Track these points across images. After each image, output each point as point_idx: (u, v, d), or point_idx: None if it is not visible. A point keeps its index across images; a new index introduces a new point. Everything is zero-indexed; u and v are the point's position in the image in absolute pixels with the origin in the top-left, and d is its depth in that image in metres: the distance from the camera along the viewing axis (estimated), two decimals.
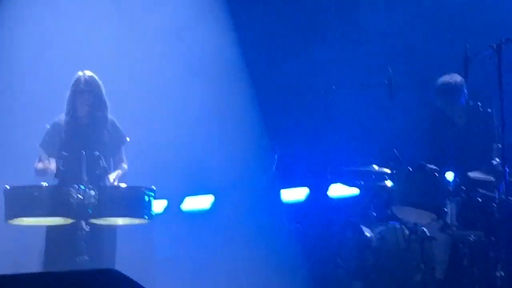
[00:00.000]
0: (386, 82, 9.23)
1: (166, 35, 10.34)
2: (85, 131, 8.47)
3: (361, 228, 9.15)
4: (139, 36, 10.33)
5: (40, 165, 8.28)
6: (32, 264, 8.69)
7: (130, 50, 10.22)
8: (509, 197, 8.11)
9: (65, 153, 8.06)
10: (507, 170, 7.94)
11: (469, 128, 9.15)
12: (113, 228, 8.40)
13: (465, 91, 9.18)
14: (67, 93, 8.44)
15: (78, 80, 8.36)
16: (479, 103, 8.93)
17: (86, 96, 8.37)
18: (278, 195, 10.54)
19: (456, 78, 9.10)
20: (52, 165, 8.25)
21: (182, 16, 10.44)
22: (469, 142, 8.87)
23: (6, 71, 10.10)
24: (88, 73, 8.46)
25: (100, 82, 8.50)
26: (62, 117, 8.57)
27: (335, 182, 10.17)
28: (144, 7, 10.34)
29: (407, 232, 8.69)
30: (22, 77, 9.93)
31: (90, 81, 8.41)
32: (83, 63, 8.91)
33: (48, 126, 8.53)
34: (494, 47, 7.91)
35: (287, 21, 11.49)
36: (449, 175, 8.60)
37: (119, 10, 10.34)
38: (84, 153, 7.92)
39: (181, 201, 10.90)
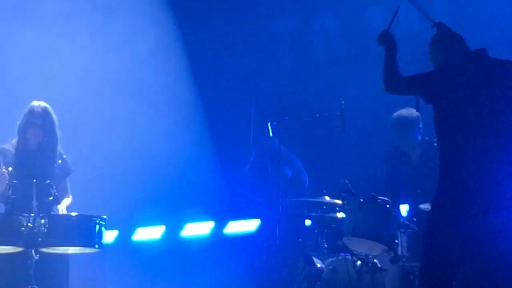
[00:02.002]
0: (339, 114, 9.20)
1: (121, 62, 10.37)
2: (34, 161, 8.40)
3: (312, 259, 8.99)
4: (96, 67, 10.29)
5: None
6: None
7: (85, 80, 10.21)
8: None
9: (15, 181, 7.88)
10: None
11: (422, 162, 9.02)
12: (65, 257, 8.28)
13: (421, 126, 9.09)
14: (19, 121, 8.38)
15: (32, 111, 8.36)
16: (434, 139, 8.63)
17: (38, 130, 8.37)
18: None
19: (412, 112, 9.02)
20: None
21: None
22: (422, 176, 8.71)
23: None
24: (42, 104, 8.43)
25: (53, 116, 8.47)
26: (13, 143, 8.46)
27: (286, 213, 10.04)
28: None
29: (358, 263, 8.48)
30: None
31: (44, 115, 8.39)
32: (39, 90, 8.96)
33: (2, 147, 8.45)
34: None
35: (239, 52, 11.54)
36: (404, 208, 8.52)
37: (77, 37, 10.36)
38: (35, 181, 7.85)
39: (132, 232, 10.95)
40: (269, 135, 10.05)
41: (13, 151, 8.49)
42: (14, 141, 8.53)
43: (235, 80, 11.68)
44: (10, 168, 8.09)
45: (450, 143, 6.24)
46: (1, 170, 8.17)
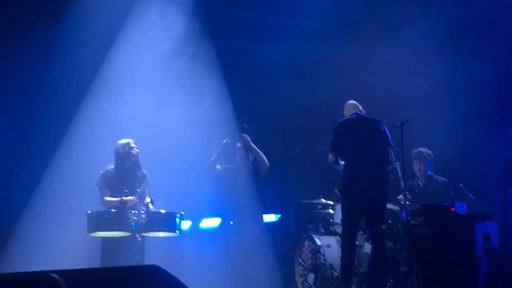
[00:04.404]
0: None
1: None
2: (130, 176, 10.04)
3: (314, 238, 10.66)
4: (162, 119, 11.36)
5: (107, 199, 9.85)
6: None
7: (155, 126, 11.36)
8: (409, 219, 9.63)
9: (126, 190, 9.76)
10: (407, 203, 9.71)
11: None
12: (157, 239, 9.85)
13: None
14: (116, 151, 9.99)
15: (125, 144, 10.02)
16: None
17: (130, 154, 10.01)
18: (261, 218, 10.99)
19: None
20: (115, 200, 9.74)
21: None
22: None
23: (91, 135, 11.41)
24: (131, 141, 10.09)
25: (136, 146, 10.10)
26: (111, 167, 10.02)
27: (297, 210, 11.56)
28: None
29: None
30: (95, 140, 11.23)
31: (132, 145, 10.06)
32: (128, 133, 10.33)
33: (101, 172, 9.96)
34: (398, 125, 9.80)
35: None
36: None
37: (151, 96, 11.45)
38: (138, 190, 9.75)
39: (199, 221, 12.02)
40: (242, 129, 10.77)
41: (111, 170, 9.97)
42: (111, 165, 10.04)
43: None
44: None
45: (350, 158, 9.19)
46: (111, 200, 9.78)
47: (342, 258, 9.37)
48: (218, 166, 10.94)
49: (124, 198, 9.84)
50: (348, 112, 9.76)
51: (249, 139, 10.80)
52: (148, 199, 9.88)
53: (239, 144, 10.93)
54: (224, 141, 10.80)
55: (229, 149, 10.96)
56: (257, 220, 10.91)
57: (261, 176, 10.88)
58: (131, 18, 11.81)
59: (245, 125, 10.80)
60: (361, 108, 9.83)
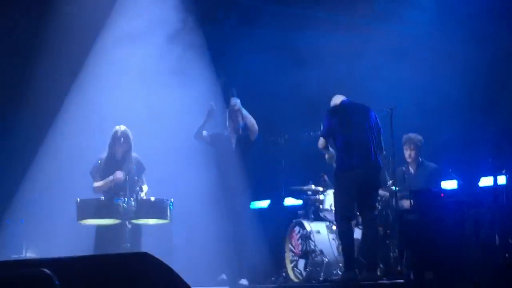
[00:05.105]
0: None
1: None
2: (121, 164, 10.01)
3: (303, 224, 10.67)
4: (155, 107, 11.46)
5: (97, 184, 9.92)
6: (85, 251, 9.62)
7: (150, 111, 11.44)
8: (398, 205, 9.79)
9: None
10: (396, 188, 9.88)
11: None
12: (140, 227, 9.84)
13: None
14: (108, 140, 10.06)
15: (116, 132, 10.01)
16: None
17: (121, 141, 9.99)
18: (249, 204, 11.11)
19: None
20: (104, 183, 9.80)
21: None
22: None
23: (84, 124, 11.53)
24: (122, 127, 10.05)
25: (129, 132, 10.05)
26: (103, 155, 10.06)
27: (287, 196, 11.86)
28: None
29: (333, 228, 10.40)
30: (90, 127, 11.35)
31: (123, 132, 10.02)
32: (119, 120, 10.32)
33: (99, 162, 10.01)
34: (388, 110, 9.90)
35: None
36: None
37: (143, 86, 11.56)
38: (127, 177, 9.67)
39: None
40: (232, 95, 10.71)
41: (103, 159, 10.03)
42: (104, 153, 10.08)
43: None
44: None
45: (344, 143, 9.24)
46: (100, 184, 9.86)
47: (343, 244, 9.45)
48: (204, 132, 10.83)
49: (110, 178, 9.85)
50: (336, 102, 9.83)
51: (238, 102, 10.67)
52: (145, 187, 9.99)
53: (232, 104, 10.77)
54: (209, 107, 10.65)
55: (215, 114, 10.85)
56: (244, 191, 10.83)
57: (251, 142, 10.83)
58: (119, 8, 11.85)
59: (233, 89, 10.73)
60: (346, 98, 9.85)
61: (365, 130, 9.48)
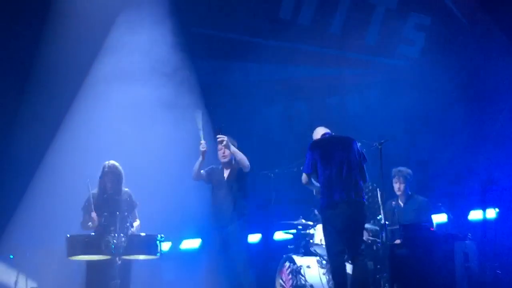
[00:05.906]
0: None
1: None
2: (111, 199, 9.94)
3: (294, 259, 10.62)
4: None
5: (83, 223, 9.89)
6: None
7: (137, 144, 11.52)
8: (388, 239, 9.77)
9: (106, 213, 9.66)
10: (386, 223, 9.79)
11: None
12: (130, 262, 9.83)
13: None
14: (99, 174, 10.02)
15: (104, 166, 10.02)
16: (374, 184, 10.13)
17: (110, 176, 10.00)
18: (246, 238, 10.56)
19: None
20: (94, 222, 9.72)
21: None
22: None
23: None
24: (111, 162, 10.08)
25: (118, 166, 10.08)
26: (95, 191, 9.98)
27: (278, 230, 11.87)
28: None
29: (324, 262, 10.41)
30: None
31: (112, 167, 10.04)
32: (109, 155, 10.33)
33: (90, 192, 9.83)
34: (378, 145, 9.89)
35: None
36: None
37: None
38: (118, 213, 9.53)
39: (179, 243, 12.10)
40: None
41: (95, 194, 9.94)
42: (96, 189, 10.01)
43: None
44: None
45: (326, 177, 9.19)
46: (88, 222, 9.81)
47: (336, 282, 9.29)
48: (202, 172, 10.64)
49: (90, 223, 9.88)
50: (318, 135, 9.73)
51: (226, 139, 10.44)
52: (136, 223, 10.00)
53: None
54: (201, 147, 10.44)
55: (207, 153, 10.62)
56: (238, 217, 10.45)
57: (245, 173, 10.56)
58: (111, 40, 11.94)
59: (222, 125, 10.53)
60: (329, 130, 9.79)
61: (347, 164, 9.36)
